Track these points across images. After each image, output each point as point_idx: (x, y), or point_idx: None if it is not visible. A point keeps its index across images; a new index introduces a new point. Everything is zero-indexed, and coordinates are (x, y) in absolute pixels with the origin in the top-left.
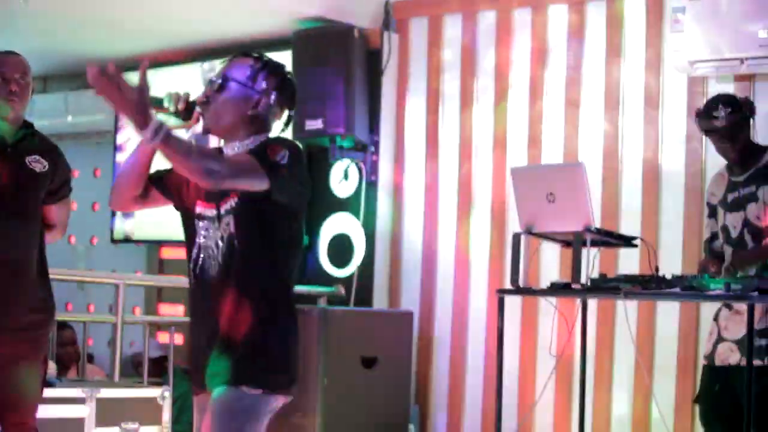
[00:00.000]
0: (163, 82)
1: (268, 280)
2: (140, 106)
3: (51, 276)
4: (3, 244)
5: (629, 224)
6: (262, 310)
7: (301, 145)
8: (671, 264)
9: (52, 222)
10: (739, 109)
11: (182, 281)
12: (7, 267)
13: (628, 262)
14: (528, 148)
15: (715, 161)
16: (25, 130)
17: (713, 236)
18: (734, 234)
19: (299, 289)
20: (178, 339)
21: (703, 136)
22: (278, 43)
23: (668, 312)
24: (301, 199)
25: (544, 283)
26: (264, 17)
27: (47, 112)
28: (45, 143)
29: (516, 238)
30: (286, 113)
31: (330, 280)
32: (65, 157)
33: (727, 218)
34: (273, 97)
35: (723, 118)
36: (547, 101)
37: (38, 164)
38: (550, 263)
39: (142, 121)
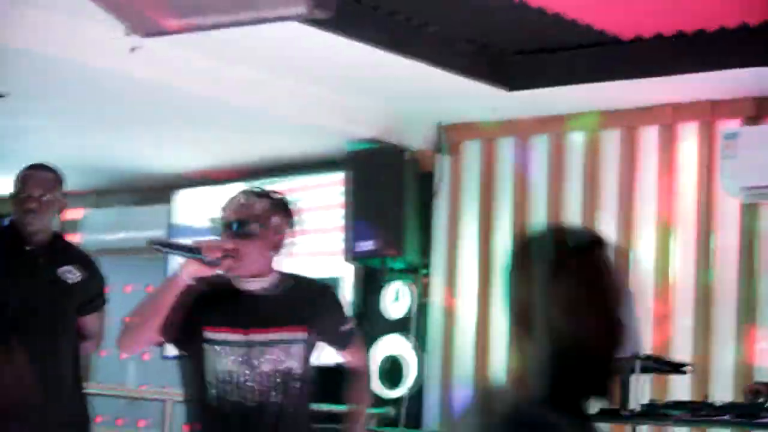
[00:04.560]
0: (219, 199)
1: None
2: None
3: (100, 391)
4: (37, 357)
5: (683, 346)
6: None
7: None
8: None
9: (88, 333)
10: None
11: None
12: (41, 380)
13: (681, 387)
14: None
15: None
16: (55, 241)
17: None
18: None
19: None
20: None
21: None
22: (331, 163)
23: None
24: None
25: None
26: (317, 138)
27: (100, 227)
28: (77, 254)
29: None
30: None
31: (381, 402)
32: (99, 268)
33: None
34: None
35: None
36: (600, 223)
37: (71, 275)
38: None
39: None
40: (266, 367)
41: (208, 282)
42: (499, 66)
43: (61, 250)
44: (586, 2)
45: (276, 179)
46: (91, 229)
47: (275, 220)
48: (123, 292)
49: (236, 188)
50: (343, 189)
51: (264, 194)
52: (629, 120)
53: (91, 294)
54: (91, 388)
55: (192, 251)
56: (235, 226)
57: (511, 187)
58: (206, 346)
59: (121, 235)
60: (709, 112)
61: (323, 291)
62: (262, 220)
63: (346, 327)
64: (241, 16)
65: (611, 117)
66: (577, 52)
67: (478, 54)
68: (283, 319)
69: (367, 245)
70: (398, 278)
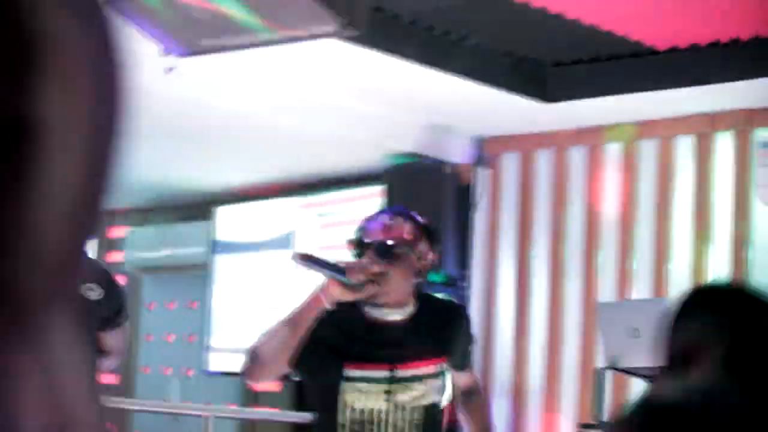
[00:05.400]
0: (260, 214)
1: None
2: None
3: (142, 407)
4: None
5: None
6: None
7: None
8: None
9: (108, 349)
10: None
11: (274, 414)
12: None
13: None
14: (617, 282)
15: None
16: None
17: None
18: None
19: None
20: None
21: None
22: (370, 177)
23: None
24: None
25: None
26: (356, 152)
27: (143, 244)
28: (98, 271)
29: (599, 373)
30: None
31: None
32: (120, 285)
33: None
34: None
35: None
36: (636, 235)
37: (91, 292)
38: None
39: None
40: (408, 404)
41: (341, 309)
42: (536, 78)
43: None
44: (621, 14)
45: (316, 193)
46: (133, 246)
47: (422, 245)
48: (166, 309)
49: (276, 204)
50: (381, 202)
51: (410, 216)
52: (665, 130)
53: (112, 311)
54: (132, 404)
55: (337, 271)
56: (382, 249)
57: (549, 199)
58: (345, 384)
59: (164, 252)
60: (743, 121)
61: (458, 313)
62: (410, 243)
63: (471, 347)
64: (271, 37)
65: (647, 127)
66: (613, 63)
67: (515, 67)
68: (426, 351)
69: None
70: (436, 291)
